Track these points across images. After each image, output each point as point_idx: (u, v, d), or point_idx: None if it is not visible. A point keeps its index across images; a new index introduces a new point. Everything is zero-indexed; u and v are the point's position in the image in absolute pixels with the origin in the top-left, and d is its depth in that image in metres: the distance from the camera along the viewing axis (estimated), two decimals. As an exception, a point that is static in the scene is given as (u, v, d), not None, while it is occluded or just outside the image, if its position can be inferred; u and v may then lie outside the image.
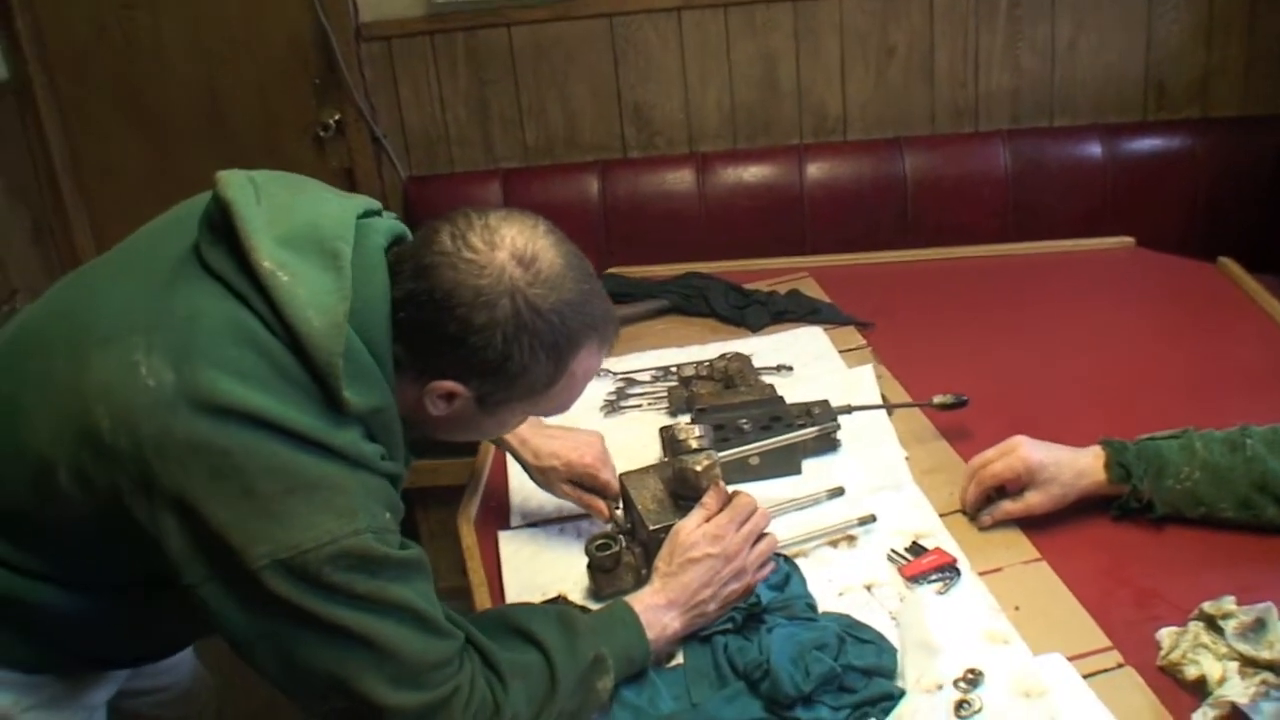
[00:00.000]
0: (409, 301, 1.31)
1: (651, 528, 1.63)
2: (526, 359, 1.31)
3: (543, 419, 1.78)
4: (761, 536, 1.60)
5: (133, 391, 1.22)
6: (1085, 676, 1.38)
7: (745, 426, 1.93)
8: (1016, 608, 1.53)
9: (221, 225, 1.29)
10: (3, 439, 1.31)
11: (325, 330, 1.25)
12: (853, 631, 1.48)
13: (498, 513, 1.94)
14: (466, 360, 1.31)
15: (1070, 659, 1.41)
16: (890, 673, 1.44)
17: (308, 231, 1.30)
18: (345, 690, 1.26)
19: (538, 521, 1.89)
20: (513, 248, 1.30)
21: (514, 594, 1.71)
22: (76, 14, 3.32)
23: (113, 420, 1.22)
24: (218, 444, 1.20)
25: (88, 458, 1.23)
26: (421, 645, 1.28)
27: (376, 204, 1.43)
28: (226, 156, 1.49)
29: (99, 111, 3.46)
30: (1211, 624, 1.39)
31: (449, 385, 1.34)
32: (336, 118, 3.34)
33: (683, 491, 1.65)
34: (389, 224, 1.40)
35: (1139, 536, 1.65)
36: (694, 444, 1.67)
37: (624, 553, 1.65)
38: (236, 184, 1.31)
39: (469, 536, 1.87)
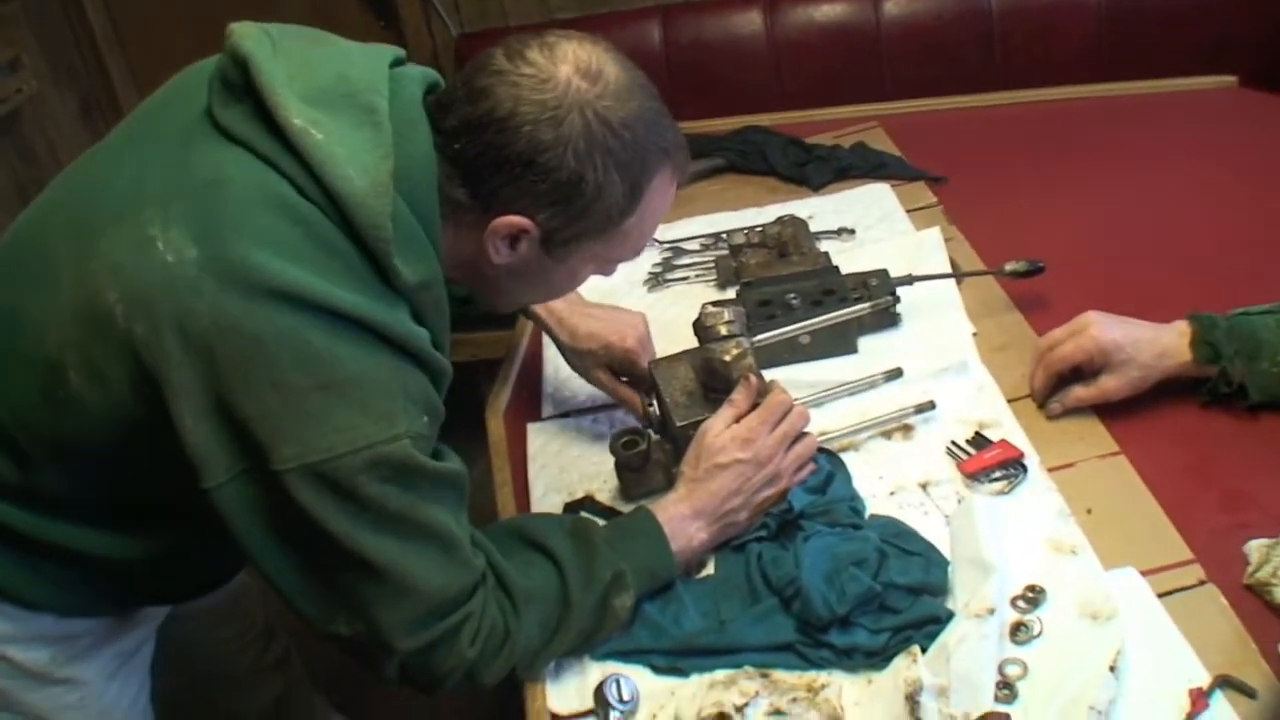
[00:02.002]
0: (465, 129, 1.16)
1: (679, 423, 1.47)
2: (601, 179, 1.17)
3: (582, 296, 1.66)
4: (800, 436, 1.44)
5: (148, 270, 1.09)
6: (1160, 595, 1.22)
7: (794, 302, 1.75)
8: (1089, 510, 1.36)
9: (240, 83, 1.15)
10: (8, 356, 1.19)
11: (370, 190, 1.11)
12: (898, 542, 1.32)
13: (529, 402, 1.81)
14: (534, 187, 1.17)
15: (1144, 573, 1.25)
16: (939, 589, 1.28)
17: (336, 85, 1.16)
18: (357, 617, 1.17)
19: (570, 411, 1.76)
20: (576, 61, 1.17)
21: (539, 495, 1.59)
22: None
23: (126, 303, 1.09)
24: (247, 328, 1.07)
25: (98, 349, 1.12)
26: (443, 579, 1.17)
27: (401, 52, 1.27)
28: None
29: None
30: (1310, 537, 1.21)
31: (515, 220, 1.19)
32: (382, -26, 3.17)
33: (712, 383, 1.48)
34: (422, 71, 1.26)
35: (1229, 426, 1.45)
36: (723, 330, 1.48)
37: (653, 449, 1.51)
38: (253, 37, 1.17)
39: (497, 430, 1.74)
